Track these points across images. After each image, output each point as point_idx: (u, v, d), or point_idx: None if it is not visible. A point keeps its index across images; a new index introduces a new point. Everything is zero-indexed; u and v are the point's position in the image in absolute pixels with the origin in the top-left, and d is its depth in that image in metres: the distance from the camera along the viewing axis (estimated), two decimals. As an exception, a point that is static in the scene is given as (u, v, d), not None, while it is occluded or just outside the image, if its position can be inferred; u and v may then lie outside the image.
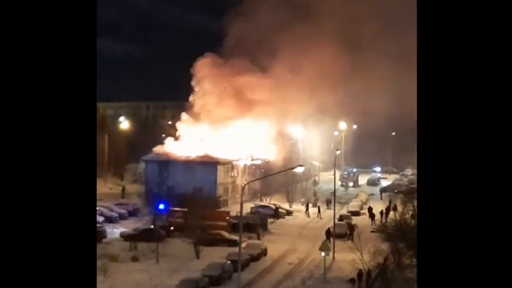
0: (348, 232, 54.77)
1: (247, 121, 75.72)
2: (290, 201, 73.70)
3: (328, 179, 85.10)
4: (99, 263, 36.28)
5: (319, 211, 68.08)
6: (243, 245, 41.96)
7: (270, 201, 71.61)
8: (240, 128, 75.49)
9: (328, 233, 51.35)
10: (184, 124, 78.02)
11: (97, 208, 60.50)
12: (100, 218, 56.91)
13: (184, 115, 79.29)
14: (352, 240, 49.55)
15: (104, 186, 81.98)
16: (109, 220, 58.85)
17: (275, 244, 52.00)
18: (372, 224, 60.61)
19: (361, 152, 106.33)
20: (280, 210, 67.88)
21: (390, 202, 64.48)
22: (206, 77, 79.19)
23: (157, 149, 75.73)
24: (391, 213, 57.74)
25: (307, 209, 68.96)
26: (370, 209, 64.93)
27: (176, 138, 77.21)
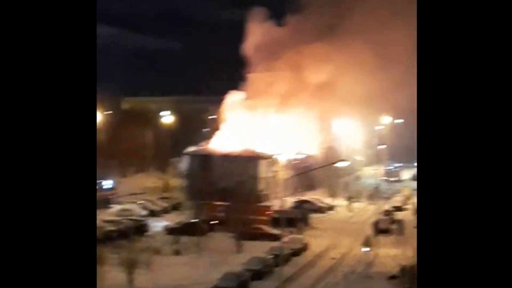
0: (390, 228, 54.68)
1: (296, 111, 74.04)
2: (332, 195, 73.29)
3: (371, 174, 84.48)
4: (142, 257, 36.74)
5: (351, 203, 67.91)
6: (285, 239, 41.88)
7: (312, 196, 71.35)
8: (286, 120, 74.36)
9: (375, 226, 51.05)
10: (229, 110, 77.23)
11: (141, 202, 61.27)
12: (143, 212, 57.55)
13: (231, 96, 77.78)
14: (402, 234, 49.67)
15: (148, 180, 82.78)
16: (152, 213, 59.41)
17: (317, 239, 51.78)
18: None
19: (405, 147, 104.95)
20: (321, 205, 67.68)
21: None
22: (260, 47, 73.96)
23: (201, 144, 76.02)
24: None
25: (349, 204, 68.61)
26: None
27: (217, 128, 76.78)
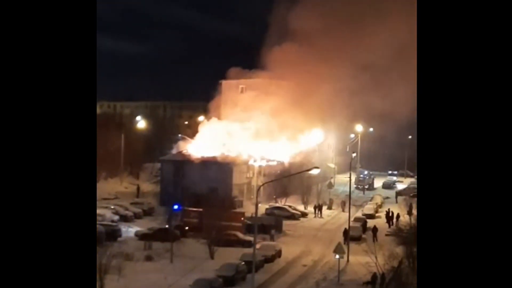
0: (361, 236, 55.20)
1: (268, 118, 74.26)
2: (305, 203, 73.53)
3: (343, 182, 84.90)
4: (113, 262, 36.44)
5: (320, 211, 68.83)
6: (258, 246, 41.89)
7: (285, 203, 71.53)
8: (258, 127, 74.54)
9: (346, 234, 51.39)
10: (203, 116, 77.14)
11: (112, 207, 60.85)
12: (115, 217, 57.15)
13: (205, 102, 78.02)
14: (376, 241, 50.40)
15: (120, 185, 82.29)
16: (124, 219, 58.99)
17: (290, 246, 51.91)
18: (389, 227, 60.55)
19: (377, 155, 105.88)
20: (294, 211, 67.89)
21: (411, 206, 62.38)
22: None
23: (176, 146, 75.74)
24: (406, 217, 57.51)
25: (317, 211, 68.90)
26: (388, 213, 64.32)
27: (191, 134, 76.83)
